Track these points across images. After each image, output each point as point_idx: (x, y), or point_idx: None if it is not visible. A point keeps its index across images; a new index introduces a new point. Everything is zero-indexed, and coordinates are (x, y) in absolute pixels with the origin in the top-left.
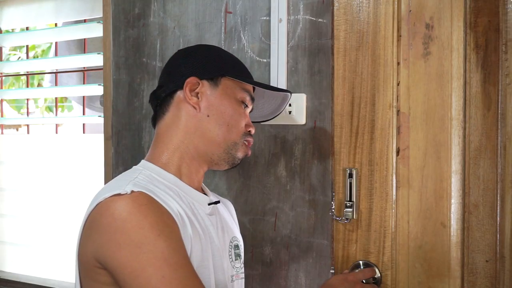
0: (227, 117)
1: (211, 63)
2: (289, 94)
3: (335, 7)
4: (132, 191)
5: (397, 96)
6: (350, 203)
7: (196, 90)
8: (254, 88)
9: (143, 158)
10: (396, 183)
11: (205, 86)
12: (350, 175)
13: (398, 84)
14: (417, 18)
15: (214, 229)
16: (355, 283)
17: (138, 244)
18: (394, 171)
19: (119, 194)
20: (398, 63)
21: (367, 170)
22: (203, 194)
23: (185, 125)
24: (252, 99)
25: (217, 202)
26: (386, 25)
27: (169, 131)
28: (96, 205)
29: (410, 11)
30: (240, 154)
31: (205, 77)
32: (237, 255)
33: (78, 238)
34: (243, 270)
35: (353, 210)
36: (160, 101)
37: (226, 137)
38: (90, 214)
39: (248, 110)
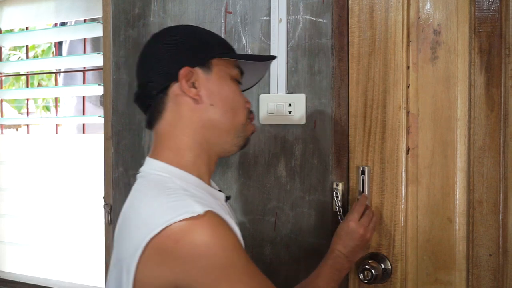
0: (231, 101)
1: (197, 48)
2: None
3: (349, 16)
4: (205, 212)
5: (407, 98)
6: None
7: (192, 80)
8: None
9: (143, 158)
10: (406, 180)
11: (199, 74)
12: (363, 172)
13: (407, 87)
14: (426, 24)
15: (239, 231)
16: (365, 232)
17: (226, 266)
18: (404, 168)
19: (192, 217)
20: (408, 67)
21: (378, 167)
22: (220, 191)
23: (190, 120)
24: (242, 72)
25: (228, 198)
26: (396, 31)
27: (174, 131)
28: (163, 229)
29: (419, 18)
30: (248, 133)
31: (196, 64)
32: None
33: (135, 260)
34: None
35: None
36: (152, 99)
37: (233, 122)
38: (154, 239)
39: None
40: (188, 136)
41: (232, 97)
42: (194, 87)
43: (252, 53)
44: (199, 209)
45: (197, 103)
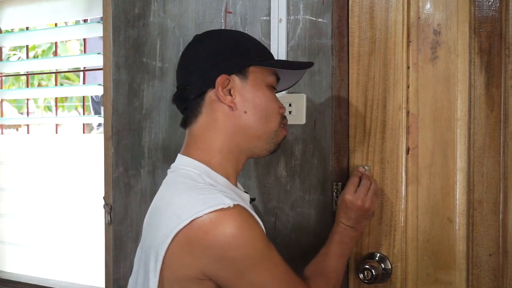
0: (264, 109)
1: (236, 55)
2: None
3: (349, 16)
4: (234, 205)
5: (407, 98)
6: None
7: (228, 87)
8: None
9: (143, 159)
10: (406, 180)
11: (235, 81)
12: None
13: (408, 87)
14: (426, 24)
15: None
16: (363, 203)
17: (253, 256)
18: (404, 168)
19: (222, 209)
20: (408, 67)
21: (378, 167)
22: (246, 193)
23: (224, 125)
24: (278, 78)
25: (253, 200)
26: (396, 31)
27: (208, 134)
28: (193, 220)
29: (419, 18)
30: (280, 139)
31: (233, 71)
32: None
33: (162, 250)
34: None
35: None
36: (190, 103)
37: (266, 129)
38: (183, 229)
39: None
40: (220, 140)
41: (266, 104)
42: (230, 94)
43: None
44: (228, 202)
45: (232, 110)
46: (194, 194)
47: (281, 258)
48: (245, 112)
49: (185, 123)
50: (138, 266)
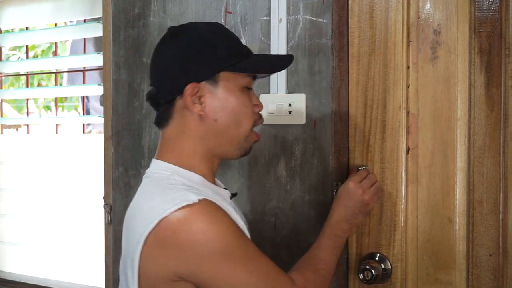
0: (236, 114)
1: (206, 60)
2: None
3: (349, 16)
4: (199, 200)
5: (407, 98)
6: None
7: (197, 95)
8: None
9: (143, 159)
10: (406, 180)
11: (205, 89)
12: None
13: (407, 87)
14: (426, 24)
15: (242, 222)
16: (363, 194)
17: (224, 251)
18: (404, 168)
19: (187, 206)
20: (408, 67)
21: (378, 167)
22: (224, 189)
23: (195, 132)
24: (255, 76)
25: (234, 195)
26: (396, 31)
27: (179, 139)
28: (160, 221)
29: (419, 18)
30: (250, 144)
31: (203, 78)
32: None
33: (137, 254)
34: None
35: None
36: (160, 107)
37: (237, 134)
38: (153, 231)
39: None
40: (192, 145)
41: (237, 110)
42: (199, 102)
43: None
44: (193, 198)
45: (201, 118)
46: (162, 195)
47: (258, 251)
48: (216, 120)
49: (158, 124)
50: (120, 277)
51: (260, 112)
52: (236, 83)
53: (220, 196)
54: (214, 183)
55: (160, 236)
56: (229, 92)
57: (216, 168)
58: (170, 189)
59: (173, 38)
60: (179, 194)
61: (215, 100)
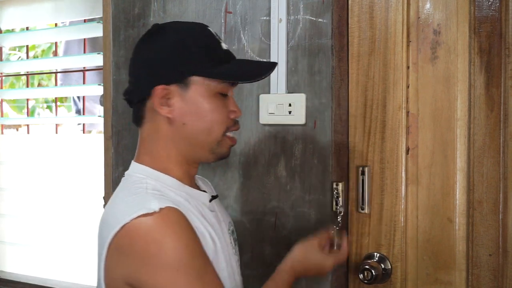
0: (206, 121)
1: (178, 64)
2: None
3: (349, 16)
4: (160, 209)
5: (407, 98)
6: (363, 198)
7: (166, 97)
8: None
9: None
10: (406, 180)
11: (175, 92)
12: (363, 172)
13: (407, 87)
14: (426, 24)
15: (219, 227)
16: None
17: (175, 266)
18: (404, 168)
19: (147, 214)
20: (408, 67)
21: (378, 167)
22: (203, 192)
23: (165, 134)
24: (234, 83)
25: (215, 197)
26: (396, 31)
27: (153, 140)
28: (122, 227)
29: (419, 18)
30: (225, 149)
31: (173, 81)
32: (235, 240)
33: (103, 260)
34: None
35: (365, 205)
36: (134, 105)
37: (207, 140)
38: (115, 237)
39: (230, 93)
40: (164, 147)
41: (208, 116)
42: (168, 105)
43: (252, 54)
44: (154, 206)
45: (170, 121)
46: (127, 201)
47: (209, 272)
48: (184, 124)
49: (135, 122)
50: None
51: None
52: (209, 88)
53: (196, 200)
54: (194, 186)
55: (120, 243)
56: (200, 97)
57: (194, 170)
58: (135, 194)
59: (151, 37)
60: (143, 200)
61: (184, 104)
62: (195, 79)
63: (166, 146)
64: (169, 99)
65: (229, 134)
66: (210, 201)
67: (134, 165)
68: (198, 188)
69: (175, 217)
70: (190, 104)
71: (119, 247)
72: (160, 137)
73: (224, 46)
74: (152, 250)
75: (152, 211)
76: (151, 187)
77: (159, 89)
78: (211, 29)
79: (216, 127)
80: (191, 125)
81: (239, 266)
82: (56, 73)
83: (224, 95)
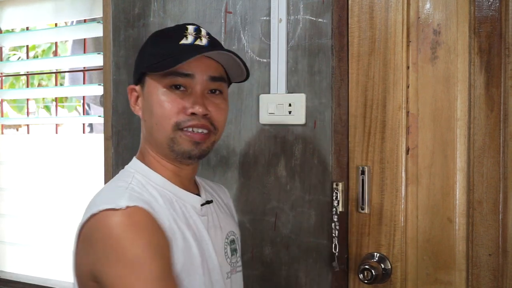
0: (155, 116)
1: (138, 66)
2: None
3: (349, 16)
4: (127, 206)
5: (407, 98)
6: (363, 198)
7: (135, 96)
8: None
9: None
10: (406, 180)
11: (139, 92)
12: (363, 172)
13: (407, 87)
14: (426, 24)
15: (206, 233)
16: None
17: (131, 263)
18: (403, 168)
19: (113, 209)
20: (408, 67)
21: (378, 167)
22: (195, 195)
23: (142, 131)
24: (188, 74)
25: (209, 202)
26: (396, 31)
27: (141, 136)
28: (90, 217)
29: (419, 18)
30: (185, 147)
31: (137, 82)
32: (233, 250)
33: (74, 248)
34: (240, 263)
35: (365, 205)
36: None
37: (159, 136)
38: (83, 226)
39: (191, 88)
40: (146, 144)
41: (156, 111)
42: (138, 104)
43: (252, 54)
44: (122, 203)
45: (142, 119)
46: (107, 193)
47: (165, 277)
48: (145, 121)
49: None
50: None
51: (198, 114)
52: (157, 84)
53: (183, 202)
54: (187, 187)
55: (86, 233)
56: (150, 94)
57: (185, 171)
58: (114, 188)
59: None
60: (116, 196)
61: (143, 103)
62: (148, 77)
63: (144, 143)
64: (138, 97)
65: (188, 130)
66: (202, 205)
67: (133, 159)
68: (193, 190)
69: (139, 217)
70: (145, 101)
71: (85, 237)
72: (142, 132)
73: (188, 41)
74: (112, 244)
75: (119, 208)
76: (135, 182)
77: (128, 89)
78: (191, 28)
79: (164, 122)
80: (148, 122)
81: (238, 282)
82: (56, 73)
83: (181, 89)
